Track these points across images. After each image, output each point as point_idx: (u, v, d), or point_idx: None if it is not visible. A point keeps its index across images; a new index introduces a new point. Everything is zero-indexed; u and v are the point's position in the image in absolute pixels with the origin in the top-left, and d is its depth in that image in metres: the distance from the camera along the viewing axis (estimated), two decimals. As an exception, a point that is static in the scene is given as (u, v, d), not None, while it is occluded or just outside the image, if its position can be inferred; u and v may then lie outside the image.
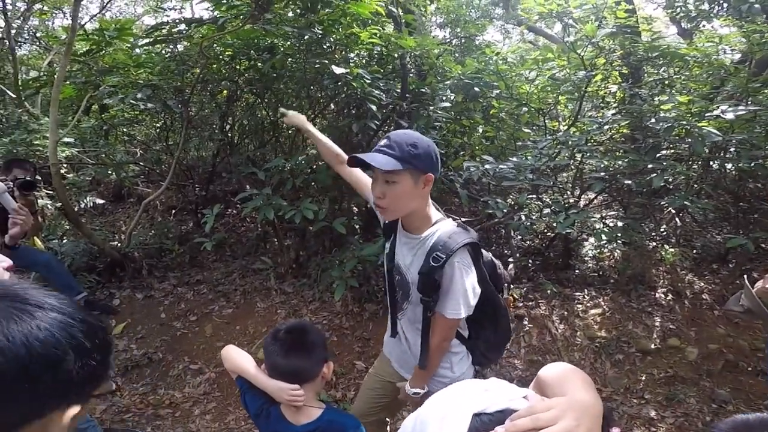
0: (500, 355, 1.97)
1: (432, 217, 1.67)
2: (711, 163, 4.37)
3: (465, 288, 1.56)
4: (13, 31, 6.59)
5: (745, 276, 2.17)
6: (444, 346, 1.69)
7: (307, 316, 3.81)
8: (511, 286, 1.90)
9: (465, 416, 0.60)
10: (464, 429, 0.59)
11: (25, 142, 4.47)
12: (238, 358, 1.62)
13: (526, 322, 3.70)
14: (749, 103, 3.62)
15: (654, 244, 4.53)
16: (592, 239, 4.39)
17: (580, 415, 0.63)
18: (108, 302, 4.08)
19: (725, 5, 5.68)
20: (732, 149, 3.82)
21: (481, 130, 4.56)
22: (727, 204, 4.60)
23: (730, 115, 3.14)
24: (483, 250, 1.74)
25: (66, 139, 4.33)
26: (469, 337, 1.81)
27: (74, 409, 0.73)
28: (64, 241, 4.56)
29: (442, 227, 1.63)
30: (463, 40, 7.15)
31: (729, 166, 4.34)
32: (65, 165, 5.10)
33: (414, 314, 1.72)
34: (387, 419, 2.15)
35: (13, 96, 5.76)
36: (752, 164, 3.43)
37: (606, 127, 3.94)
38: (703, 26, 6.61)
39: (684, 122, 3.24)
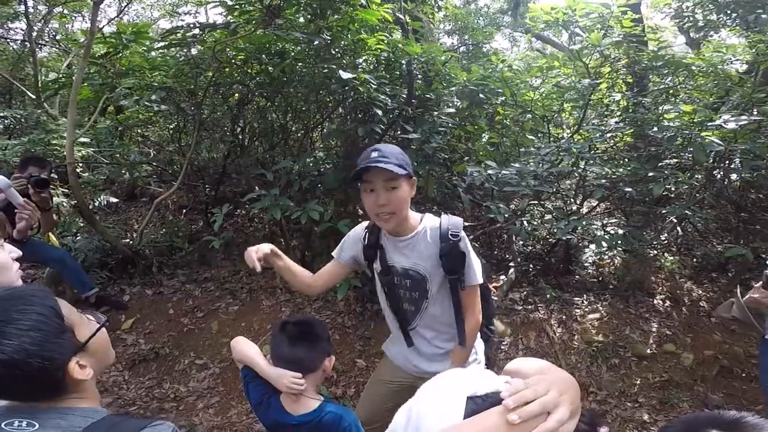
0: (490, 323, 2.06)
1: (413, 215, 1.79)
2: (714, 172, 4.37)
3: (475, 257, 1.74)
4: (35, 34, 6.77)
5: (738, 287, 2.26)
6: (479, 317, 1.80)
7: (310, 314, 3.89)
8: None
9: (460, 400, 0.65)
10: (461, 411, 0.64)
11: (43, 142, 4.58)
12: (246, 347, 1.71)
13: (524, 325, 3.75)
14: (754, 113, 3.63)
15: (654, 252, 4.55)
16: (593, 246, 4.42)
17: (563, 387, 0.68)
18: (118, 298, 4.19)
19: (733, 15, 5.69)
20: (736, 159, 3.83)
21: (485, 136, 4.61)
22: (729, 214, 4.59)
23: (731, 125, 3.15)
24: None
25: (82, 139, 4.46)
26: None
27: (73, 360, 0.94)
28: (78, 237, 4.67)
29: (429, 218, 1.78)
30: (470, 48, 7.20)
31: (734, 177, 4.33)
32: (81, 164, 5.23)
33: (441, 307, 1.78)
34: None
35: (33, 97, 5.95)
36: (754, 174, 3.44)
37: (609, 135, 3.99)
38: (711, 36, 6.62)
39: (687, 131, 3.26)
